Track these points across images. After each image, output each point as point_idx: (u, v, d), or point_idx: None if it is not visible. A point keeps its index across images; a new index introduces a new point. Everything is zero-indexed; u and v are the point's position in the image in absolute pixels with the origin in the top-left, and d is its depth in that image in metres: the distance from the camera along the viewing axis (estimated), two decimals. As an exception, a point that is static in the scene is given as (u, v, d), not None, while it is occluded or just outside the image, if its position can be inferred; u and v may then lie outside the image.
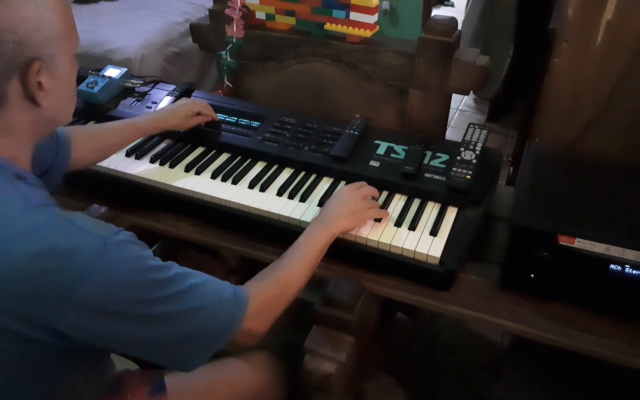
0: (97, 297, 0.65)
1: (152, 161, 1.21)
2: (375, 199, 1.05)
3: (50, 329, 0.65)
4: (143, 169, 1.19)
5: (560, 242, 0.87)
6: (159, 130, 1.20)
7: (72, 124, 1.33)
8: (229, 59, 1.44)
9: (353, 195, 1.00)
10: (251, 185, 1.13)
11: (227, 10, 1.38)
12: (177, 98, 1.34)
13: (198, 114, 1.23)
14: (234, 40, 1.42)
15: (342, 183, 1.13)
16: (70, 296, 0.63)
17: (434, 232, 0.99)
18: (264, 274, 0.84)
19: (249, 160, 1.21)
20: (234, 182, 1.14)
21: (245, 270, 1.41)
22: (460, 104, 3.19)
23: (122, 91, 1.42)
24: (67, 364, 0.73)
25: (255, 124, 1.28)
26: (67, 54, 0.74)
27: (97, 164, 1.19)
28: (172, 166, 1.20)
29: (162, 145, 1.27)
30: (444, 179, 1.07)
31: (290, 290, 0.84)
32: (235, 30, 1.40)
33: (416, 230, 1.00)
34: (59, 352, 0.70)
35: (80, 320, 0.65)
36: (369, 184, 1.11)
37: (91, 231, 0.66)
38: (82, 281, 0.63)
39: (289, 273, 0.85)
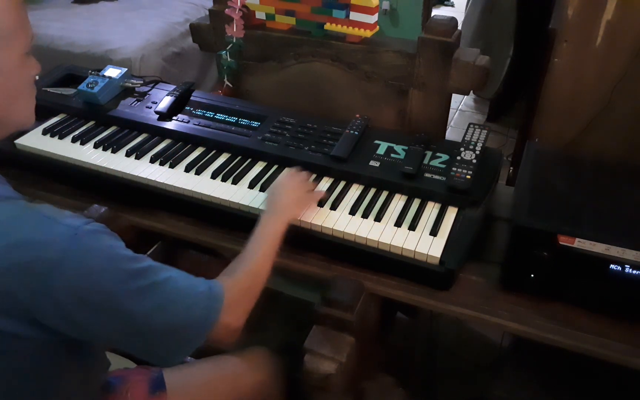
0: (72, 287, 0.65)
1: (152, 161, 1.21)
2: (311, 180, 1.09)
3: (32, 322, 0.65)
4: (143, 169, 1.19)
5: (560, 242, 0.87)
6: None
7: (72, 124, 1.34)
8: (229, 59, 1.44)
9: (294, 183, 1.03)
10: (251, 185, 1.13)
11: (227, 10, 1.38)
12: (177, 98, 1.34)
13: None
14: (234, 40, 1.42)
15: (342, 183, 1.13)
16: (46, 286, 0.64)
17: (434, 232, 0.99)
18: (232, 268, 0.85)
19: (249, 160, 1.21)
20: (234, 182, 1.14)
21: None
22: (460, 104, 3.19)
23: (122, 91, 1.42)
24: (56, 364, 0.73)
25: (255, 124, 1.28)
26: (13, 52, 0.72)
27: (100, 165, 1.19)
28: (172, 166, 1.20)
29: (162, 145, 1.27)
30: (444, 179, 1.07)
31: (259, 279, 0.86)
32: (235, 30, 1.40)
33: (416, 230, 1.00)
34: (47, 350, 0.70)
35: (58, 310, 0.65)
36: (369, 184, 1.11)
37: (61, 221, 0.66)
38: (56, 271, 0.64)
39: (255, 263, 0.87)
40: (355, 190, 1.11)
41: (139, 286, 0.69)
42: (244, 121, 1.29)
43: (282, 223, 0.95)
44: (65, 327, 0.68)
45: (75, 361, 0.76)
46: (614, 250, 0.84)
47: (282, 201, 0.99)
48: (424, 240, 0.98)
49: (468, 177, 1.03)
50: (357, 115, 1.24)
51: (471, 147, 1.10)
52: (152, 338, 0.72)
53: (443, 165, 1.11)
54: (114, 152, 1.24)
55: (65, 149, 1.26)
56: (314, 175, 1.14)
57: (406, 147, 1.15)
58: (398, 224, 1.02)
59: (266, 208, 0.99)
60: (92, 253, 0.66)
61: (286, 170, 1.10)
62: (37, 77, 0.79)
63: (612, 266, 0.85)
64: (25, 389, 0.71)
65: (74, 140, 1.29)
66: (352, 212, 1.05)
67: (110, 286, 0.67)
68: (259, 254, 0.89)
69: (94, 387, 0.86)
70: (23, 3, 0.73)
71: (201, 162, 1.20)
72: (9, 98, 0.74)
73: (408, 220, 1.02)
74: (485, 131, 1.14)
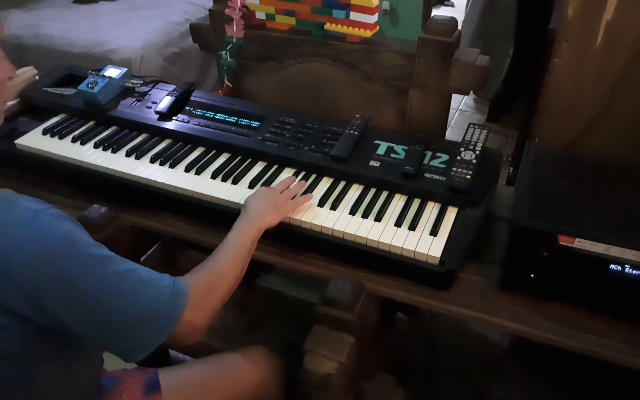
0: (32, 270, 0.65)
1: (152, 161, 1.21)
2: (294, 186, 1.08)
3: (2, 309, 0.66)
4: (143, 169, 1.19)
5: (560, 242, 0.87)
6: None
7: (72, 124, 1.34)
8: (229, 59, 1.44)
9: (271, 192, 1.03)
10: (251, 186, 1.13)
11: (227, 10, 1.38)
12: (177, 98, 1.34)
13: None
14: (234, 40, 1.42)
15: (342, 183, 1.13)
16: (6, 268, 0.64)
17: (434, 232, 0.99)
18: (198, 268, 0.85)
19: (249, 160, 1.21)
20: (234, 182, 1.14)
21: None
22: (460, 104, 3.19)
23: (122, 91, 1.42)
24: (31, 352, 0.72)
25: (255, 124, 1.28)
26: None
27: (100, 165, 1.19)
28: (172, 166, 1.20)
29: (162, 145, 1.27)
30: (444, 179, 1.07)
31: (224, 280, 0.85)
32: (235, 30, 1.40)
33: (416, 230, 1.00)
34: (19, 337, 0.69)
35: (20, 294, 0.65)
36: (369, 184, 1.11)
37: (22, 205, 0.67)
38: (15, 254, 0.64)
39: (222, 265, 0.87)
40: (355, 190, 1.11)
41: (99, 273, 0.69)
42: (244, 121, 1.29)
43: (256, 229, 0.95)
44: (31, 312, 0.67)
45: (53, 352, 0.75)
46: (614, 250, 0.84)
47: (256, 207, 0.99)
48: (424, 240, 0.98)
49: (468, 177, 1.04)
50: (357, 115, 1.24)
51: (471, 147, 1.10)
52: (114, 329, 0.71)
53: (443, 165, 1.11)
54: (114, 152, 1.24)
55: (65, 149, 1.26)
56: (297, 180, 1.13)
57: (406, 147, 1.15)
58: (398, 224, 1.02)
59: (240, 214, 0.99)
60: (51, 236, 0.66)
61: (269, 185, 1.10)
62: (10, 79, 0.77)
63: (612, 266, 0.85)
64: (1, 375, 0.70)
65: (74, 140, 1.29)
66: (352, 212, 1.05)
67: (70, 270, 0.67)
68: (227, 256, 0.89)
69: (82, 384, 0.85)
70: None
71: (201, 162, 1.20)
72: None
73: (408, 221, 1.02)
74: (485, 131, 1.14)
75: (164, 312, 0.73)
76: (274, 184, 1.11)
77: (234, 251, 0.90)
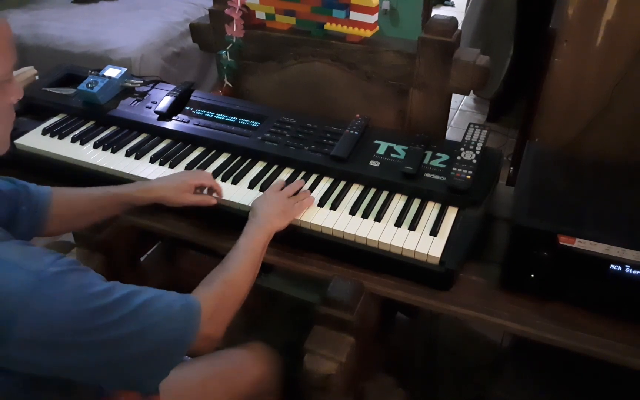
0: (37, 333, 0.62)
1: (152, 161, 1.21)
2: (301, 189, 1.09)
3: None
4: (143, 169, 1.19)
5: (561, 242, 0.87)
6: (144, 201, 1.02)
7: (71, 123, 1.34)
8: (229, 59, 1.44)
9: (279, 196, 1.03)
10: (251, 185, 1.13)
11: (227, 10, 1.38)
12: (177, 98, 1.34)
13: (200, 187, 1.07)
14: (234, 40, 1.42)
15: (342, 183, 1.13)
16: (6, 337, 0.61)
17: (434, 232, 0.99)
18: (209, 279, 0.83)
19: (249, 160, 1.21)
20: (234, 182, 1.14)
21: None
22: (460, 104, 3.19)
23: (122, 91, 1.42)
24: (44, 388, 0.71)
25: (255, 124, 1.28)
26: None
27: (100, 165, 1.20)
28: (172, 166, 1.20)
29: (162, 145, 1.27)
30: (444, 179, 1.07)
31: (238, 288, 0.85)
32: (235, 30, 1.40)
33: (416, 230, 1.00)
34: (15, 385, 0.68)
35: (23, 356, 0.63)
36: (369, 184, 1.11)
37: (21, 265, 0.63)
38: (17, 322, 0.61)
39: (235, 273, 0.85)
40: (355, 190, 1.11)
41: (110, 321, 0.66)
42: (244, 121, 1.29)
43: (266, 233, 0.95)
44: (31, 370, 0.66)
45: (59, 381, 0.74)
46: (614, 250, 0.84)
47: (266, 212, 0.98)
48: (424, 240, 0.98)
49: (468, 177, 1.03)
50: (357, 115, 1.24)
51: (471, 147, 1.10)
52: (128, 368, 0.69)
53: (443, 165, 1.11)
54: (113, 152, 1.24)
55: (65, 148, 1.26)
56: (303, 183, 1.12)
57: (406, 147, 1.15)
58: (398, 224, 1.02)
59: (249, 219, 0.98)
60: (55, 299, 0.63)
61: (272, 185, 1.10)
62: (16, 102, 0.76)
63: (612, 266, 0.85)
64: None
65: (73, 140, 1.29)
66: (352, 212, 1.05)
67: (79, 327, 0.64)
68: (239, 263, 0.87)
69: (86, 397, 0.85)
70: (5, 27, 0.71)
71: (201, 162, 1.20)
72: None
73: (408, 221, 1.02)
74: (485, 131, 1.14)
75: (177, 339, 0.72)
76: (274, 184, 1.11)
77: (245, 257, 0.88)
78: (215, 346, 0.80)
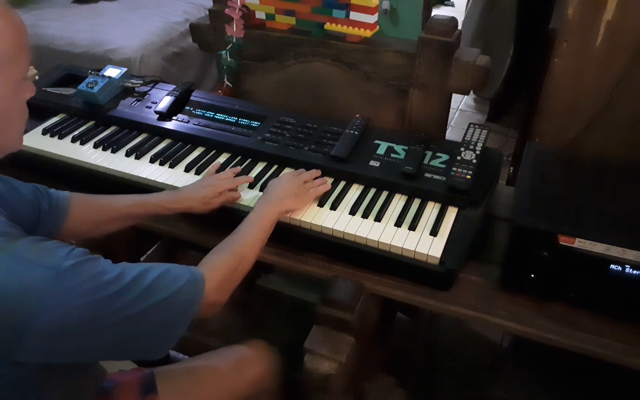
0: (57, 325, 0.64)
1: (152, 161, 1.21)
2: (318, 180, 1.11)
3: (12, 363, 0.65)
4: (143, 169, 1.19)
5: (561, 242, 0.87)
6: (171, 211, 1.04)
7: (71, 123, 1.34)
8: (229, 59, 1.44)
9: (295, 179, 1.06)
10: (251, 185, 1.13)
11: (227, 10, 1.38)
12: (177, 98, 1.34)
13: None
14: (234, 40, 1.42)
15: (342, 183, 1.13)
16: (27, 332, 0.62)
17: (434, 232, 0.99)
18: (220, 248, 0.87)
19: (249, 160, 1.21)
20: (234, 182, 1.14)
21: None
22: (460, 104, 3.19)
23: (122, 91, 1.42)
24: (42, 384, 0.73)
25: (255, 124, 1.28)
26: (11, 78, 0.70)
27: (100, 165, 1.20)
28: (172, 166, 1.20)
29: (162, 145, 1.27)
30: (444, 179, 1.07)
31: (246, 261, 0.88)
32: (235, 30, 1.40)
33: (416, 230, 1.00)
34: (26, 375, 0.69)
35: (42, 346, 0.64)
36: (369, 184, 1.11)
37: (39, 262, 0.64)
38: (38, 317, 0.62)
39: (244, 246, 0.89)
40: (355, 190, 1.11)
41: (123, 304, 0.68)
42: (244, 121, 1.29)
43: (276, 211, 0.98)
44: (51, 359, 0.68)
45: (59, 371, 0.76)
46: (614, 250, 0.84)
47: (278, 191, 1.01)
48: (424, 240, 0.98)
49: (468, 177, 1.03)
50: (357, 115, 1.24)
51: (471, 147, 1.10)
52: (137, 342, 0.73)
53: (443, 165, 1.11)
54: (113, 152, 1.24)
55: (65, 149, 1.26)
56: (320, 173, 1.13)
57: (406, 147, 1.15)
58: (398, 224, 1.02)
59: (262, 196, 1.01)
60: (73, 292, 0.65)
61: (291, 172, 1.12)
62: (29, 98, 0.76)
63: (612, 266, 0.85)
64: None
65: (73, 140, 1.29)
66: (352, 212, 1.05)
67: (96, 314, 0.66)
68: (249, 236, 0.91)
69: (85, 394, 0.86)
70: (25, 27, 0.72)
71: (201, 162, 1.20)
72: (1, 124, 0.71)
73: (408, 221, 1.02)
74: (485, 131, 1.14)
75: (183, 310, 0.75)
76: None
77: (254, 231, 0.92)
78: (218, 310, 0.83)
